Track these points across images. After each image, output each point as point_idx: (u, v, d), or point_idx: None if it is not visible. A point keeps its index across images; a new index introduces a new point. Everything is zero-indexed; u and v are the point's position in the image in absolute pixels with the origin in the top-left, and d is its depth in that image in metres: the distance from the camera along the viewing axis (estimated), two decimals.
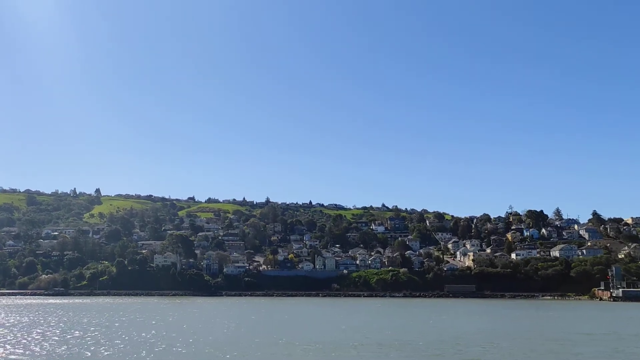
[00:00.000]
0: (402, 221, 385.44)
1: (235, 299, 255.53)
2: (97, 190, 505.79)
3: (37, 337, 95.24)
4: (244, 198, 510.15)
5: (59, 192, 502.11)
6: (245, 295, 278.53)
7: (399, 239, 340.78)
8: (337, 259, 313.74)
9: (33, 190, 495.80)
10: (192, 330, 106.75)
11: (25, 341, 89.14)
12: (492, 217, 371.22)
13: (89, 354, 76.26)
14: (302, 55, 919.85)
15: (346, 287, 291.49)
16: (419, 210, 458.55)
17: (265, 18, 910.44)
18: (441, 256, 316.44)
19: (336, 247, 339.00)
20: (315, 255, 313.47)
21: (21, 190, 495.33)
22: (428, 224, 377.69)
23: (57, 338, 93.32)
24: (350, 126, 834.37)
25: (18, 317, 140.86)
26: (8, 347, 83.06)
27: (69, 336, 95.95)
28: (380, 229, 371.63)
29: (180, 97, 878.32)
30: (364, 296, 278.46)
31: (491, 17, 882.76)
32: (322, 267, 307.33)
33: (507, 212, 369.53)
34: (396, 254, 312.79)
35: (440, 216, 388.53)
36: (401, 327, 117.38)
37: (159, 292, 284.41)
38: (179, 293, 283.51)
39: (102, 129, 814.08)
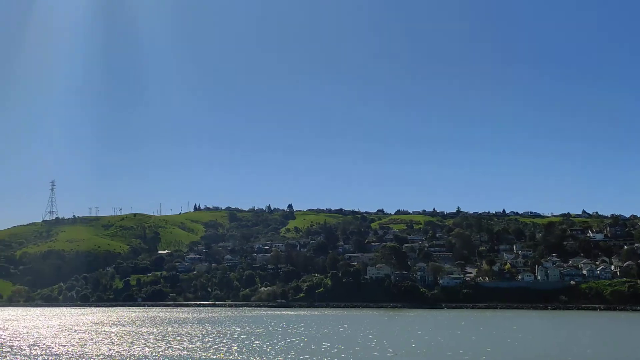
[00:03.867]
0: (622, 227, 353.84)
1: (464, 312, 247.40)
2: (290, 206, 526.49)
3: None
4: (433, 208, 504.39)
5: (256, 208, 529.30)
6: (467, 308, 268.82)
7: (625, 247, 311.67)
8: (559, 269, 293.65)
9: (233, 207, 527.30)
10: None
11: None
12: None
13: None
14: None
15: (576, 300, 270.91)
16: (627, 216, 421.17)
17: None
18: None
19: (553, 256, 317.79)
20: (536, 266, 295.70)
21: (222, 208, 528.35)
22: None
23: None
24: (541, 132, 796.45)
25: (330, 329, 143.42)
26: None
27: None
28: (599, 236, 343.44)
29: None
30: (600, 309, 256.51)
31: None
32: (545, 277, 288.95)
33: None
34: (627, 262, 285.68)
35: None
36: None
37: (377, 304, 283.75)
38: (397, 305, 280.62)
39: (291, 149, 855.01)
